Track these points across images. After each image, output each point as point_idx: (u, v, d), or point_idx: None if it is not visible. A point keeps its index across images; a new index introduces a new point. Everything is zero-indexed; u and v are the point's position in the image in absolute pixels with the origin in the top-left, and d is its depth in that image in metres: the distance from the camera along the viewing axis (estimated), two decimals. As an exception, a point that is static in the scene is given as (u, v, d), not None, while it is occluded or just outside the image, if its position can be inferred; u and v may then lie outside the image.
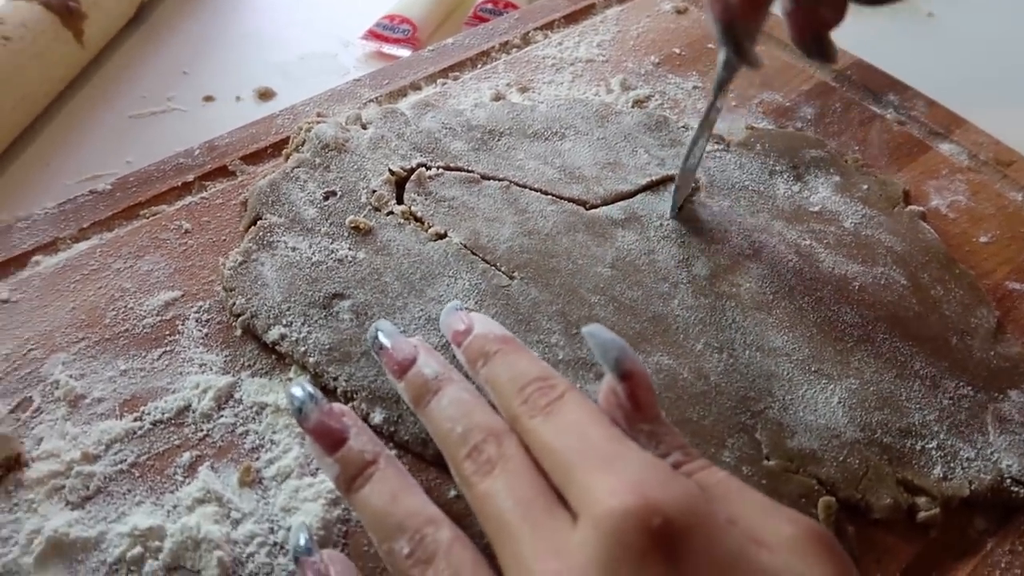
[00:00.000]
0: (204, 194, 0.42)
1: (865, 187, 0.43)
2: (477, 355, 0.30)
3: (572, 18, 0.55)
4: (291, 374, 0.35)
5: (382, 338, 0.31)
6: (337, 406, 0.30)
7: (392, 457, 0.29)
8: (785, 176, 0.44)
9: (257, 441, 0.33)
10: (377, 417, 0.33)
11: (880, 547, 0.31)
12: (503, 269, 0.38)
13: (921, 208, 0.43)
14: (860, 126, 0.48)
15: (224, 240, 0.40)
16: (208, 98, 0.53)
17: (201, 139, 0.45)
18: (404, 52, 0.56)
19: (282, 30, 0.58)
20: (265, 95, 0.53)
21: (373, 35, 0.57)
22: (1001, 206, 0.44)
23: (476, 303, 0.36)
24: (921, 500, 0.32)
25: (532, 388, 0.28)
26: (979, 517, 0.32)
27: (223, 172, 0.43)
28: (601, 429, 0.26)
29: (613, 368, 0.27)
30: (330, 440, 0.29)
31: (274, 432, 0.33)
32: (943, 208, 0.44)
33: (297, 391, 0.29)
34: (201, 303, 0.37)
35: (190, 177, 0.43)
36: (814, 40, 0.33)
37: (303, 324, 0.35)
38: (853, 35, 0.56)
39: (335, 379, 0.34)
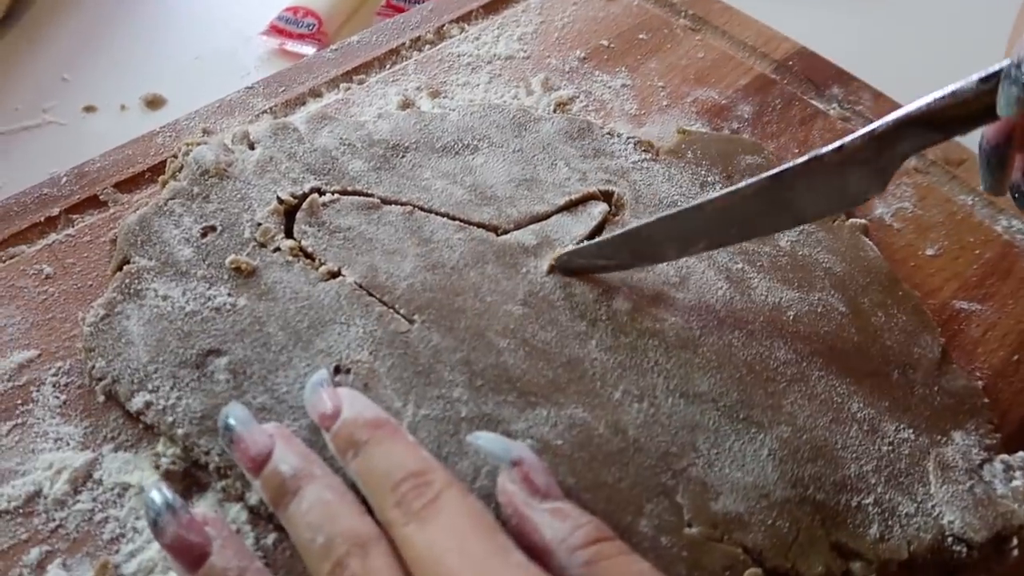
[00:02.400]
0: (70, 231, 0.37)
1: (804, 198, 0.40)
2: (346, 445, 0.27)
3: (491, 7, 0.50)
4: (159, 447, 0.31)
5: (234, 426, 0.28)
6: (200, 513, 0.26)
7: (261, 571, 0.26)
8: (718, 188, 0.40)
9: (117, 530, 0.29)
10: (253, 497, 0.29)
11: (812, 619, 0.29)
12: (402, 312, 0.34)
13: (863, 221, 0.39)
14: (801, 125, 0.45)
15: (91, 286, 0.36)
16: (89, 108, 0.48)
17: (81, 157, 0.40)
18: (309, 49, 0.51)
19: (174, 28, 0.53)
20: (154, 103, 0.48)
21: (275, 30, 0.52)
22: (949, 213, 0.41)
23: (371, 353, 0.33)
24: (856, 565, 0.29)
25: (407, 487, 0.25)
26: (919, 579, 0.30)
27: (94, 203, 0.39)
28: (479, 536, 0.23)
29: (504, 459, 0.27)
30: (190, 557, 0.25)
31: (137, 518, 0.29)
32: (888, 217, 0.41)
33: (155, 497, 0.26)
34: (60, 364, 0.33)
35: (55, 210, 0.38)
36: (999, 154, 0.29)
37: (172, 388, 0.31)
38: (797, 21, 0.52)
39: (207, 453, 0.30)
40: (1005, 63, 0.26)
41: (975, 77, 0.27)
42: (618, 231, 0.35)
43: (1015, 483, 0.31)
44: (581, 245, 0.36)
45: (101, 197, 0.39)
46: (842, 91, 0.46)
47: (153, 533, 0.26)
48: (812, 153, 0.30)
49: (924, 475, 0.31)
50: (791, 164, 0.30)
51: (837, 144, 0.30)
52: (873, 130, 0.29)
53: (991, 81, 0.26)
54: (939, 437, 0.32)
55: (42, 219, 0.38)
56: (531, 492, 0.26)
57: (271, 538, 0.29)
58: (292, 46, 0.51)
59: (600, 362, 0.33)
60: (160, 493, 0.26)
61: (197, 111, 0.43)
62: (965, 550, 0.30)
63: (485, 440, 0.29)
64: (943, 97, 0.28)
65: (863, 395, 0.33)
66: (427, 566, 0.23)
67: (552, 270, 0.36)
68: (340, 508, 0.26)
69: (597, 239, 0.36)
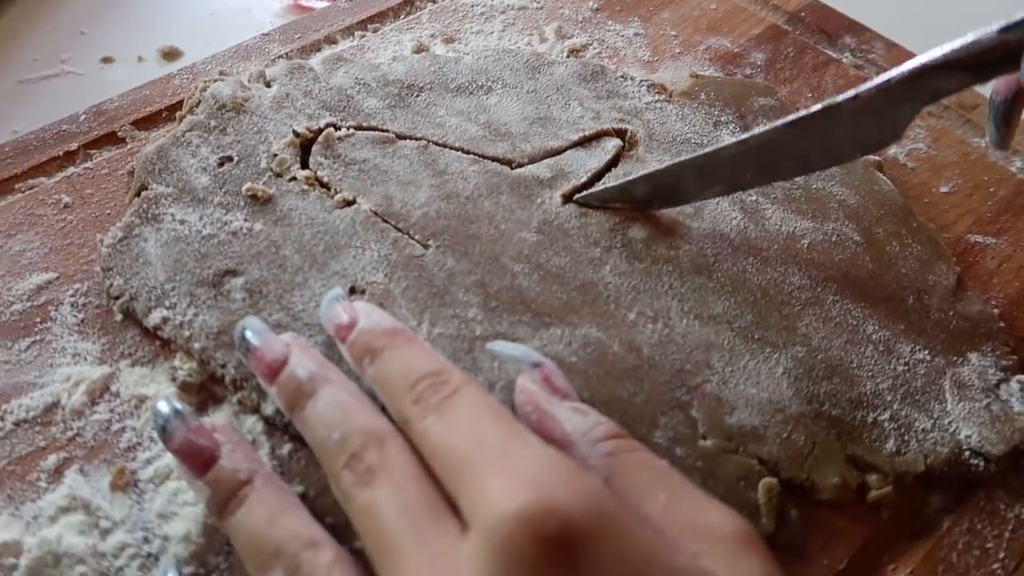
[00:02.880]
0: (89, 164, 0.38)
1: (817, 136, 0.40)
2: (363, 352, 0.27)
3: (505, -38, 0.50)
4: (176, 361, 0.31)
5: (250, 337, 0.28)
6: (208, 420, 0.27)
7: (270, 474, 0.26)
8: (731, 127, 0.40)
9: (134, 439, 0.29)
10: (269, 408, 0.29)
11: (828, 530, 0.28)
12: (417, 237, 0.34)
13: (877, 158, 0.39)
14: (814, 72, 0.45)
15: (108, 214, 0.36)
16: (107, 59, 0.48)
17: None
18: (323, 5, 0.51)
19: (191, -16, 0.54)
20: (170, 55, 0.49)
21: (290, -13, 0.52)
22: (963, 153, 0.41)
23: (386, 275, 0.33)
24: (872, 478, 0.29)
25: (424, 385, 0.25)
26: (935, 494, 0.30)
27: (112, 139, 0.39)
28: (498, 424, 0.23)
29: (525, 362, 0.27)
30: (199, 460, 0.25)
31: (154, 428, 0.29)
32: (902, 157, 0.41)
33: (162, 407, 0.26)
34: (78, 285, 0.33)
35: (74, 145, 0.38)
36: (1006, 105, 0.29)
37: (189, 306, 0.31)
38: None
39: (223, 366, 0.30)
40: None
41: (995, 27, 0.26)
42: (634, 175, 0.35)
43: (1032, 401, 0.30)
44: (599, 188, 0.36)
45: (119, 133, 0.39)
46: (855, 40, 0.46)
47: (162, 439, 0.26)
48: (828, 101, 0.30)
49: (940, 393, 0.31)
50: (807, 112, 0.30)
51: (852, 92, 0.29)
52: (890, 79, 0.29)
53: (1012, 31, 0.26)
54: (955, 358, 0.32)
55: (61, 153, 0.38)
56: (551, 391, 0.27)
57: (286, 448, 0.29)
58: (306, 2, 0.52)
59: (614, 286, 0.33)
60: (167, 402, 0.27)
61: (214, 56, 0.43)
62: (982, 463, 0.29)
63: (503, 347, 0.29)
64: (962, 47, 0.27)
65: (878, 318, 0.33)
66: (445, 456, 0.23)
67: (567, 200, 0.36)
68: (356, 407, 0.26)
69: (614, 183, 0.36)
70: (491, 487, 0.21)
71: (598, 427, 0.25)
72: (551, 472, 0.21)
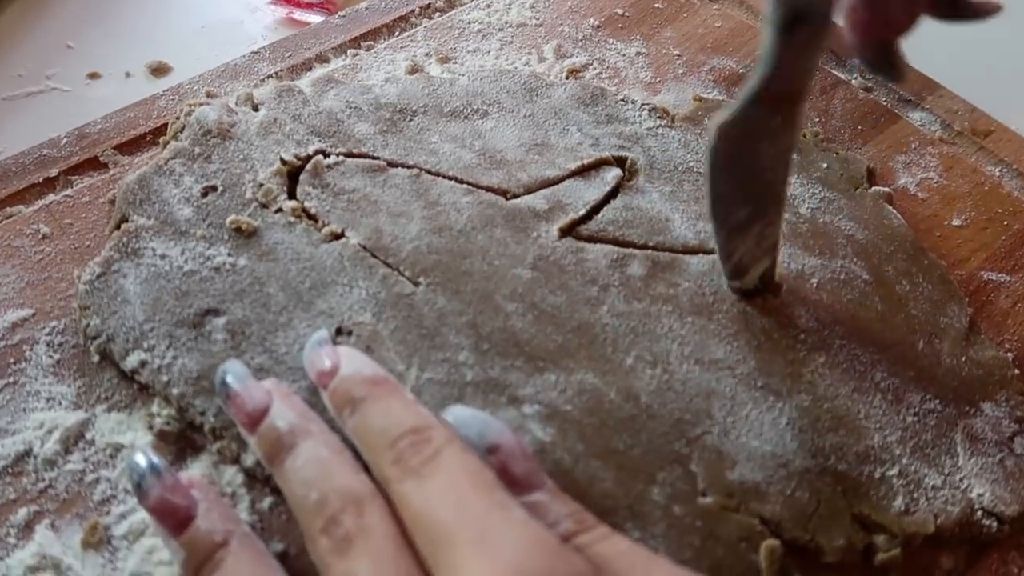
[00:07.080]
0: (69, 192, 0.37)
1: (825, 166, 0.38)
2: (344, 401, 0.26)
3: (504, -24, 0.49)
4: (154, 407, 0.30)
5: (230, 383, 0.26)
6: (186, 476, 0.26)
7: (248, 536, 0.25)
8: (735, 155, 0.39)
9: (109, 491, 0.28)
10: (249, 459, 0.28)
11: (832, 594, 0.27)
12: (407, 274, 0.33)
13: (887, 189, 0.38)
14: (822, 94, 0.43)
15: (88, 246, 0.35)
16: (93, 75, 0.47)
17: (81, 123, 0.39)
18: (317, 18, 0.50)
19: (181, -4, 0.52)
20: (159, 71, 0.47)
21: (283, -1, 0.51)
22: (977, 183, 0.39)
23: (374, 315, 0.31)
24: (880, 539, 0.28)
25: (405, 443, 0.24)
26: (946, 555, 0.28)
27: (93, 164, 0.38)
28: (479, 493, 0.22)
29: (478, 443, 0.25)
30: (174, 520, 0.24)
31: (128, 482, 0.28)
32: (912, 187, 0.39)
33: (138, 461, 0.25)
34: (55, 323, 0.32)
35: (54, 171, 0.37)
36: (879, 50, 0.27)
37: (168, 348, 0.30)
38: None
39: (202, 414, 0.29)
40: None
41: None
42: None
43: (1048, 456, 0.29)
44: None
45: (101, 159, 0.38)
46: (864, 61, 0.45)
47: (136, 496, 0.25)
48: None
49: (952, 447, 0.30)
50: None
51: None
52: None
53: None
54: (967, 408, 0.31)
55: (40, 180, 0.37)
56: (508, 484, 0.24)
57: (267, 502, 0.28)
58: (300, 15, 0.51)
59: (612, 327, 0.32)
60: (145, 455, 0.25)
61: (201, 75, 0.42)
62: (995, 524, 0.28)
63: (459, 419, 0.26)
64: None
65: (887, 364, 0.31)
66: (424, 524, 0.22)
67: (564, 235, 0.34)
68: (335, 465, 0.25)
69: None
70: (470, 569, 0.19)
71: (558, 526, 0.23)
72: (532, 555, 0.20)
